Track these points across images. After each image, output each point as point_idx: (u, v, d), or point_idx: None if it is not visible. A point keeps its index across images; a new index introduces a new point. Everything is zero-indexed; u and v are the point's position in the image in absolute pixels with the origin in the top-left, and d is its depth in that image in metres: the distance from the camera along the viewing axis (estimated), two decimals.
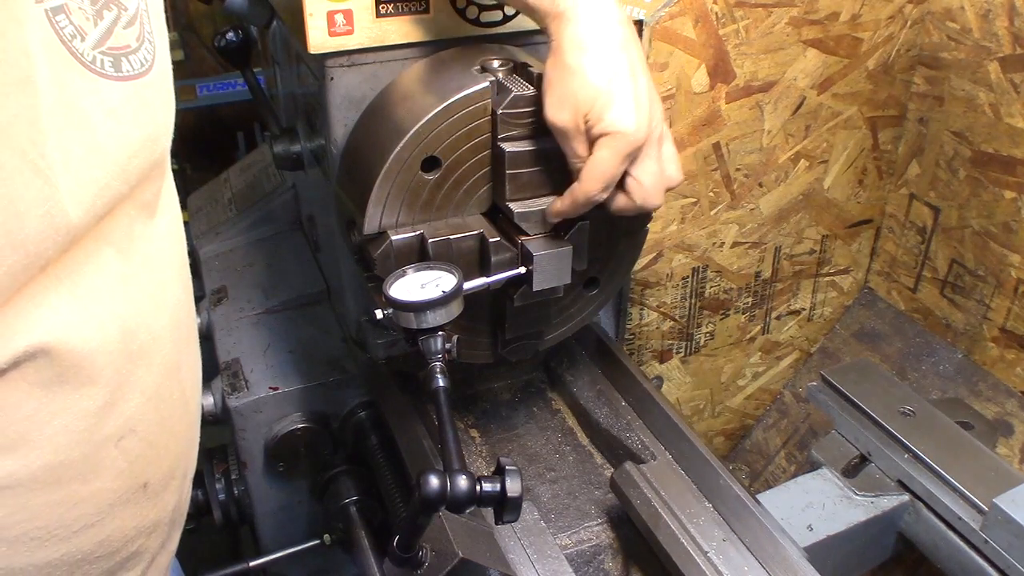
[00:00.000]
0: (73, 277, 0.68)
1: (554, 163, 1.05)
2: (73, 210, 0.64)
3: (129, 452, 0.76)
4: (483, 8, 1.12)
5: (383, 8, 1.07)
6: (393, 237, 1.03)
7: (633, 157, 0.97)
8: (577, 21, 0.96)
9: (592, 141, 0.97)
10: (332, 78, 1.11)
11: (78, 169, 0.64)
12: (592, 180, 0.97)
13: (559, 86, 0.97)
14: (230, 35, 1.43)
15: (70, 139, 0.64)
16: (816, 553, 1.19)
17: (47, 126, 0.61)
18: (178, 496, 0.88)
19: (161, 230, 0.80)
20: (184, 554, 1.09)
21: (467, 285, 0.99)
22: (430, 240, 1.03)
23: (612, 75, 0.95)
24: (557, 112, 0.98)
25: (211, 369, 1.43)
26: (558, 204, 1.03)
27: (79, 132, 0.65)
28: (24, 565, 0.72)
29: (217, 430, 1.39)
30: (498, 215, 1.10)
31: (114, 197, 0.69)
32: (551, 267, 1.04)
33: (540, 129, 1.04)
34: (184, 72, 3.16)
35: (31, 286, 0.65)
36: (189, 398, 0.87)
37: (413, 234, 1.04)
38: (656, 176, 1.00)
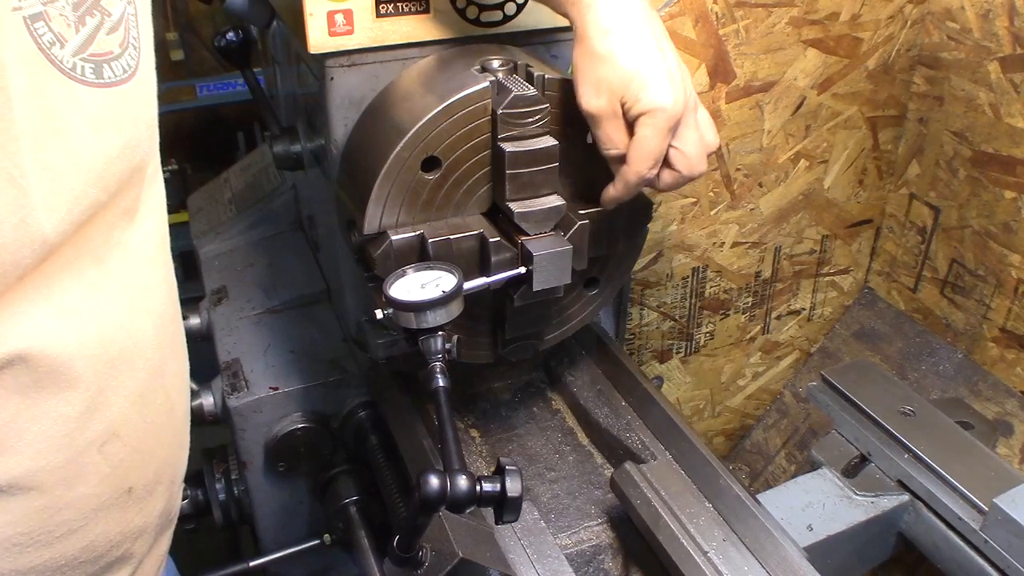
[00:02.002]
0: (50, 286, 0.68)
1: (554, 163, 1.05)
2: (47, 219, 0.64)
3: (112, 457, 0.76)
4: (483, 8, 1.12)
5: (383, 8, 1.07)
6: (393, 237, 1.03)
7: (674, 130, 0.98)
8: (598, 5, 0.96)
9: (631, 122, 0.97)
10: (332, 78, 1.11)
11: (54, 177, 0.64)
12: (641, 160, 0.97)
13: (590, 73, 0.97)
14: (230, 35, 1.43)
15: (46, 147, 0.63)
16: (816, 553, 1.19)
17: (22, 134, 0.61)
18: (166, 501, 0.87)
19: (142, 234, 0.79)
20: (184, 554, 1.09)
21: (467, 285, 0.99)
22: (430, 240, 1.03)
23: (642, 54, 0.95)
24: (592, 99, 0.97)
25: (211, 369, 1.43)
26: (611, 191, 1.04)
27: (56, 140, 0.64)
28: (6, 571, 0.71)
29: (217, 430, 1.39)
30: (498, 215, 1.10)
31: (91, 205, 0.68)
32: (551, 267, 1.04)
33: (540, 129, 1.04)
34: (184, 72, 3.17)
35: (6, 295, 0.64)
36: (175, 402, 0.86)
37: (413, 234, 1.04)
38: (698, 144, 1.00)
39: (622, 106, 0.96)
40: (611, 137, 0.99)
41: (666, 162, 1.01)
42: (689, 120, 0.99)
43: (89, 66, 0.67)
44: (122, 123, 0.71)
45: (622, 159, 0.99)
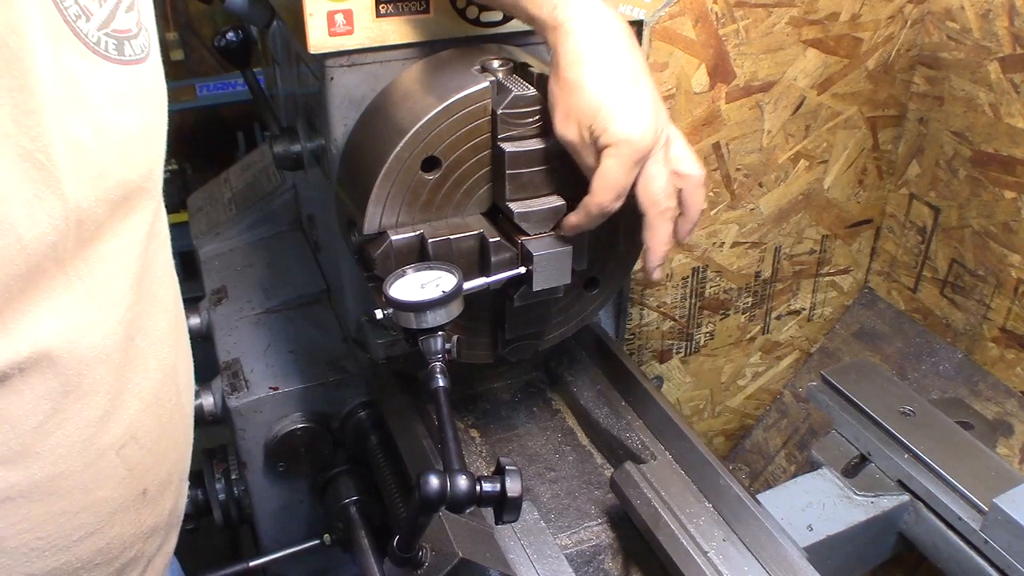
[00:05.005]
0: (94, 275, 0.68)
1: (554, 163, 1.05)
2: (72, 192, 0.63)
3: (129, 460, 0.76)
4: (483, 8, 1.12)
5: (383, 8, 1.07)
6: (393, 237, 1.03)
7: (642, 164, 0.97)
8: (575, 33, 0.95)
9: (599, 152, 0.96)
10: (332, 78, 1.11)
11: (79, 151, 0.64)
12: (602, 191, 0.97)
13: (562, 101, 0.96)
14: (230, 35, 1.43)
15: (71, 120, 0.63)
16: (816, 553, 1.19)
17: (44, 106, 0.60)
18: (175, 499, 0.87)
19: (162, 228, 0.80)
20: (184, 554, 1.09)
21: (467, 285, 0.99)
22: (430, 240, 1.03)
23: (612, 86, 0.94)
24: (564, 128, 0.97)
25: (211, 369, 1.43)
26: (572, 218, 1.03)
27: (81, 113, 0.64)
28: (23, 575, 0.71)
29: (217, 430, 1.39)
30: (498, 215, 1.10)
31: (119, 184, 0.68)
32: (551, 267, 1.04)
33: (540, 129, 1.04)
34: (184, 72, 3.17)
35: (45, 282, 0.64)
36: (185, 402, 0.86)
37: (413, 234, 1.04)
38: (663, 179, 0.99)
39: (591, 135, 0.95)
40: (588, 166, 0.98)
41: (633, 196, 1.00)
42: (658, 155, 0.97)
43: (112, 42, 0.67)
44: (142, 102, 0.71)
45: None
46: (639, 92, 0.95)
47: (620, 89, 0.94)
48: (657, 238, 1.02)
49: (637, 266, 1.65)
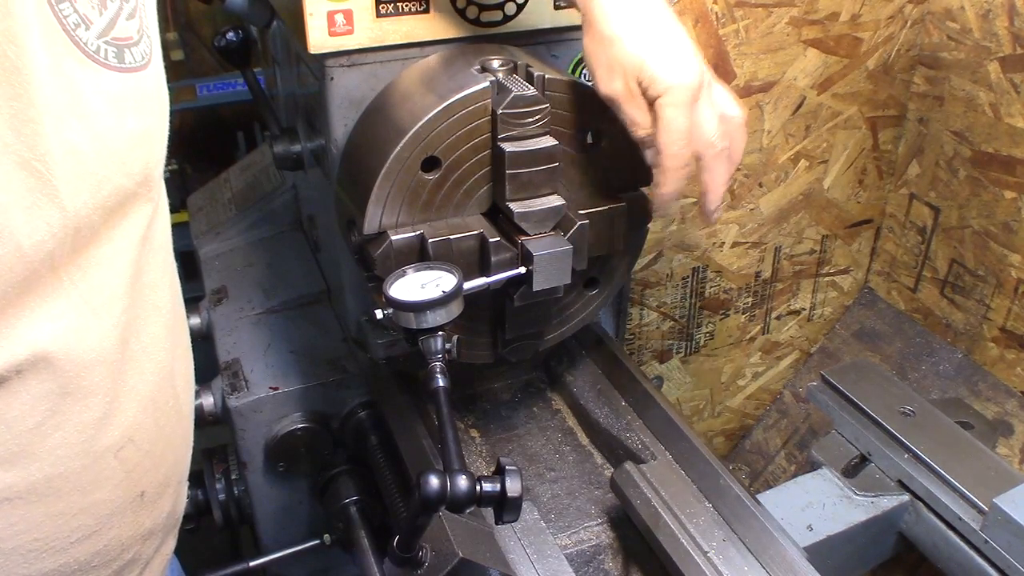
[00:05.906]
0: (87, 280, 0.67)
1: (554, 163, 1.05)
2: (71, 201, 0.63)
3: (127, 462, 0.76)
4: (483, 8, 1.12)
5: (383, 8, 1.07)
6: (393, 237, 1.03)
7: (693, 106, 0.97)
8: None
9: (651, 102, 0.96)
10: (332, 78, 1.11)
11: (78, 160, 0.64)
12: (672, 142, 0.96)
13: (603, 57, 0.96)
14: (230, 35, 1.43)
15: (70, 129, 0.63)
16: (816, 553, 1.19)
17: (42, 115, 0.60)
18: (173, 502, 0.87)
19: (161, 228, 0.80)
20: (184, 554, 1.09)
21: (467, 285, 0.99)
22: (430, 240, 1.03)
23: (653, 35, 0.95)
24: (608, 83, 0.97)
25: (211, 369, 1.43)
26: (661, 188, 1.01)
27: (80, 122, 0.64)
28: None
29: (217, 430, 1.39)
30: (498, 215, 1.10)
31: (116, 190, 0.68)
32: (551, 267, 1.04)
33: (540, 129, 1.04)
34: (184, 72, 3.16)
35: (40, 287, 0.64)
36: (183, 404, 0.86)
37: (413, 234, 1.04)
38: (715, 120, 0.99)
39: (640, 86, 0.95)
40: (634, 119, 0.98)
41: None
42: (705, 97, 0.98)
43: (112, 50, 0.67)
44: (141, 109, 0.71)
45: (651, 140, 0.98)
46: (677, 36, 0.96)
47: (660, 36, 0.95)
48: (716, 180, 1.02)
49: (638, 265, 1.65)
